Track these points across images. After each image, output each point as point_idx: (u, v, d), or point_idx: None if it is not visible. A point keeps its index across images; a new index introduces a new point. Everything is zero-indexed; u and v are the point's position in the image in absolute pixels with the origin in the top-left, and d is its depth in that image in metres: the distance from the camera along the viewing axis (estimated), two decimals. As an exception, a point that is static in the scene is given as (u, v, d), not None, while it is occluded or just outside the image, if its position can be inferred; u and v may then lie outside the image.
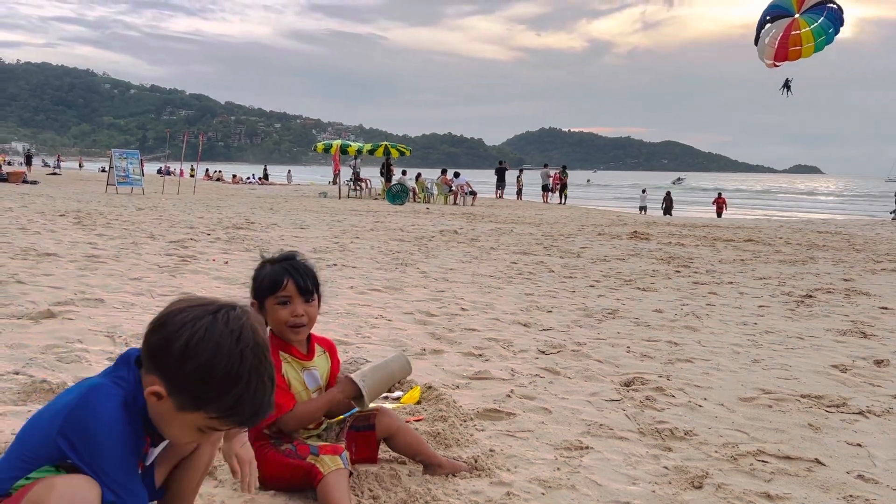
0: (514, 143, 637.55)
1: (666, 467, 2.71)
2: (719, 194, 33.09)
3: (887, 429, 3.26)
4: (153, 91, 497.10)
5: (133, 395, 1.57)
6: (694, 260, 9.81)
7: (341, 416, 2.53)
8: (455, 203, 27.25)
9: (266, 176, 48.89)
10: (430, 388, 3.49)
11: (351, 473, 2.31)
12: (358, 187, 29.72)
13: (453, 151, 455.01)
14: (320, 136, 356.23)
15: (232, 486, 2.34)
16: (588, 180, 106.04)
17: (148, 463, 1.71)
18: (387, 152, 30.01)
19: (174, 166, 43.11)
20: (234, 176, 50.69)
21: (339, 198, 26.64)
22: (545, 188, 33.87)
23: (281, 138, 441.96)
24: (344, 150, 30.04)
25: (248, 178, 50.23)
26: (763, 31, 16.35)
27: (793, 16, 15.84)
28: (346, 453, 2.30)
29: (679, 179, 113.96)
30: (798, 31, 15.60)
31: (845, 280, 8.27)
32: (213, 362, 1.49)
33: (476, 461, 2.60)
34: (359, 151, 30.53)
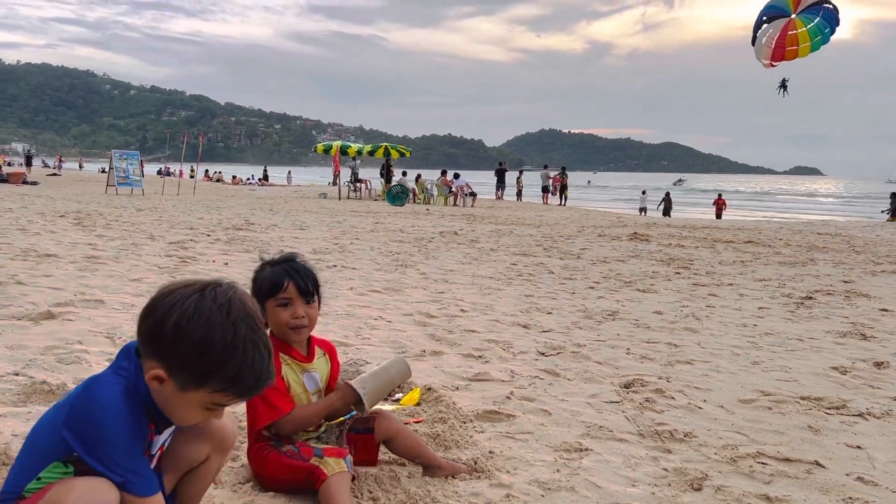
0: (514, 144, 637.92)
1: (665, 469, 2.71)
2: (719, 195, 33.09)
3: (887, 431, 3.26)
4: (153, 92, 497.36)
5: (134, 383, 1.59)
6: (694, 261, 9.81)
7: (340, 419, 2.53)
8: (455, 204, 27.26)
9: (266, 177, 48.90)
10: (429, 389, 3.49)
11: (354, 478, 2.31)
12: (357, 188, 29.73)
13: (453, 152, 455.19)
14: (320, 137, 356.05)
15: (231, 488, 2.34)
16: (588, 181, 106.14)
17: (153, 452, 1.72)
18: (387, 153, 30.03)
19: (174, 167, 43.13)
20: (234, 177, 50.71)
21: (339, 199, 26.64)
22: (545, 189, 33.88)
23: (281, 139, 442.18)
24: (344, 151, 30.06)
25: (248, 179, 50.25)
26: (760, 31, 16.42)
27: (789, 16, 15.91)
28: (349, 457, 2.30)
29: (680, 181, 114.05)
30: (795, 31, 15.67)
31: (845, 282, 8.27)
32: (207, 337, 1.51)
33: (475, 463, 2.59)
34: (359, 152, 30.55)
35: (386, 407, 3.20)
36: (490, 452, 2.75)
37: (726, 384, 3.92)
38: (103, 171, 38.34)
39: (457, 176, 29.54)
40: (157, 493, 1.62)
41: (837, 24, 15.45)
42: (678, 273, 8.60)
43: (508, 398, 3.48)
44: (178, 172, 39.85)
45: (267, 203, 21.09)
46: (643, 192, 33.92)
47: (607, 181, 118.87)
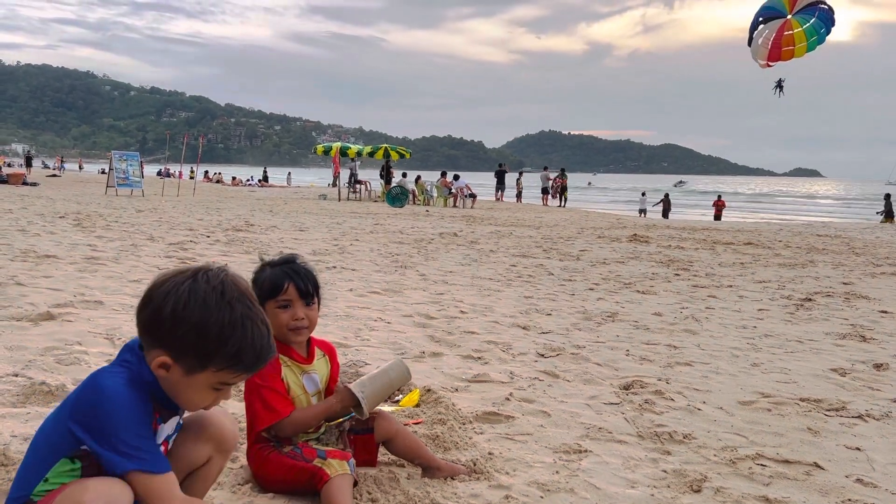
0: (513, 145, 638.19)
1: (665, 471, 2.71)
2: (719, 196, 33.09)
3: (886, 432, 3.26)
4: (153, 93, 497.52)
5: (138, 372, 1.61)
6: (693, 263, 9.81)
7: (340, 420, 2.53)
8: (455, 205, 27.26)
9: (266, 178, 48.91)
10: (429, 390, 3.49)
11: (356, 483, 2.31)
12: (356, 189, 29.73)
13: (453, 154, 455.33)
14: (320, 138, 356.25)
15: (230, 489, 2.34)
16: (589, 183, 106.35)
17: (159, 441, 1.72)
18: (387, 154, 30.03)
19: (174, 168, 43.13)
20: (234, 178, 50.71)
21: (339, 200, 26.65)
22: (545, 191, 33.88)
23: (281, 140, 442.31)
24: (344, 152, 30.07)
25: (248, 180, 50.25)
26: (756, 32, 16.50)
27: (785, 17, 15.99)
28: (353, 461, 2.30)
29: (681, 182, 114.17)
30: (791, 32, 15.75)
31: (845, 283, 8.27)
32: (204, 319, 1.55)
33: (475, 464, 2.59)
34: (359, 154, 30.56)
35: (385, 408, 3.20)
36: (489, 454, 2.75)
37: (726, 386, 3.92)
38: (103, 172, 38.34)
39: (456, 177, 29.55)
40: (170, 471, 1.62)
41: (833, 24, 15.56)
42: (678, 275, 8.60)
43: (508, 399, 3.48)
44: (177, 173, 39.86)
45: (267, 204, 21.09)
46: (643, 194, 33.93)
47: (607, 183, 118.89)
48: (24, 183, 26.98)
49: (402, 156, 31.10)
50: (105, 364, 1.71)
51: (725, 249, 11.97)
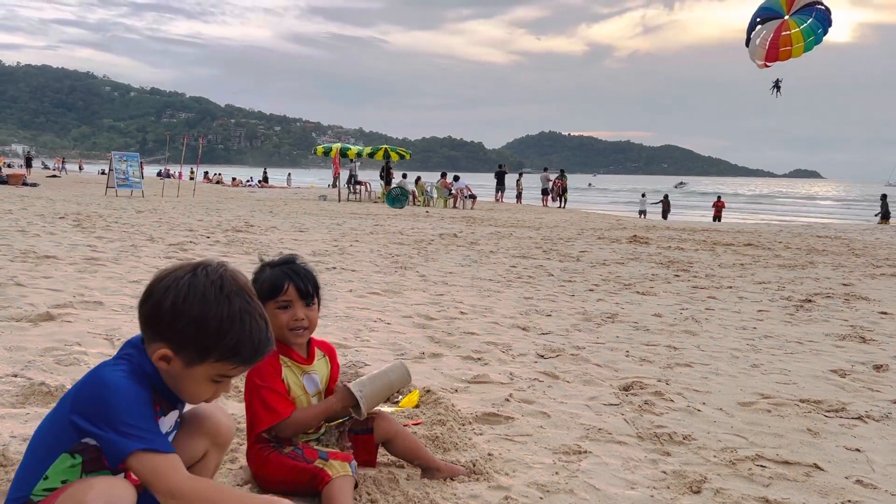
0: (513, 146, 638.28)
1: (664, 472, 2.71)
2: (718, 197, 33.09)
3: (886, 434, 3.26)
4: (153, 94, 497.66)
5: (139, 365, 1.64)
6: (693, 264, 9.81)
7: (339, 420, 2.53)
8: (454, 206, 27.27)
9: (266, 179, 48.93)
10: (428, 391, 3.49)
11: (357, 485, 2.31)
12: (356, 190, 29.73)
13: (453, 155, 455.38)
14: (320, 139, 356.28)
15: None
16: (589, 184, 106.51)
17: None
18: (387, 155, 30.05)
19: (174, 169, 43.14)
20: (234, 179, 50.74)
21: (339, 201, 26.65)
22: (544, 192, 33.89)
23: (281, 141, 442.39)
24: (344, 153, 30.08)
25: (248, 180, 50.27)
26: (754, 32, 16.57)
27: (783, 17, 16.04)
28: (354, 463, 2.30)
29: (682, 184, 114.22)
30: (788, 32, 15.81)
31: (845, 285, 8.27)
32: (203, 312, 1.58)
33: (474, 465, 2.59)
34: (358, 154, 30.56)
35: (385, 409, 3.20)
36: (489, 455, 2.75)
37: (725, 387, 3.92)
38: (103, 173, 38.36)
39: (456, 178, 29.57)
40: (176, 454, 1.61)
41: (830, 24, 15.63)
42: (677, 276, 8.60)
43: (507, 400, 3.48)
44: (177, 174, 39.86)
45: (266, 205, 21.09)
46: (643, 195, 33.95)
47: (607, 184, 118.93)
48: (24, 183, 26.99)
49: (402, 157, 31.11)
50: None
51: (725, 250, 11.97)
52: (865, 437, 3.19)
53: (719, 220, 28.72)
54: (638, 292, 7.21)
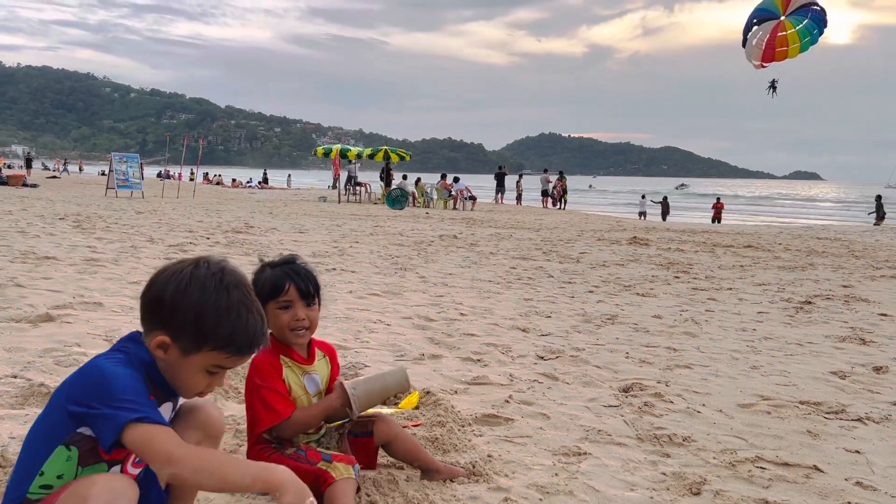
0: (513, 148, 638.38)
1: (664, 473, 2.71)
2: (717, 199, 33.07)
3: (886, 436, 3.26)
4: (153, 95, 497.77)
5: (136, 355, 1.67)
6: (693, 266, 9.81)
7: (339, 422, 2.53)
8: (455, 208, 27.28)
9: (266, 180, 48.94)
10: (428, 393, 3.49)
11: (359, 489, 2.30)
12: (356, 192, 29.73)
13: (453, 156, 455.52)
14: (320, 140, 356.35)
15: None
16: (590, 185, 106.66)
17: None
18: (387, 157, 30.06)
19: (174, 170, 43.16)
20: (234, 180, 50.76)
21: (339, 202, 26.66)
22: (544, 193, 33.90)
23: (281, 142, 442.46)
24: (344, 154, 30.09)
25: (248, 182, 50.29)
26: (750, 33, 16.67)
27: (779, 18, 16.13)
28: (357, 466, 2.30)
29: (682, 185, 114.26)
30: (784, 33, 15.89)
31: (844, 286, 8.27)
32: (203, 301, 1.63)
33: (474, 466, 2.59)
34: (359, 156, 30.57)
35: (385, 410, 3.20)
36: (488, 456, 2.75)
37: (725, 388, 3.92)
38: (103, 174, 38.36)
39: (456, 180, 29.58)
40: (170, 426, 1.62)
41: (825, 25, 15.74)
42: (677, 277, 8.60)
43: (507, 402, 3.48)
44: (177, 175, 39.88)
45: (266, 206, 21.09)
46: (643, 197, 33.95)
47: (607, 185, 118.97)
48: (24, 184, 26.98)
49: (402, 158, 31.13)
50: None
51: (725, 252, 11.97)
52: (865, 439, 3.19)
53: (719, 222, 28.71)
54: (638, 294, 7.21)
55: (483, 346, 4.66)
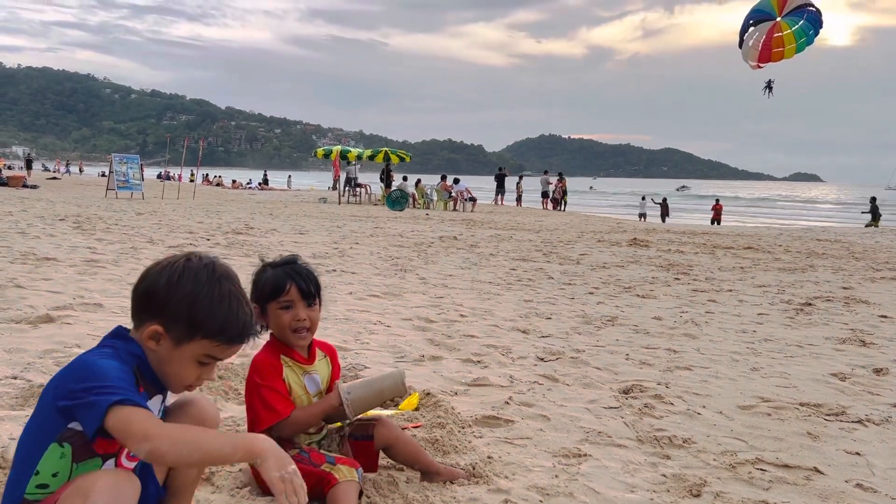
0: (513, 149, 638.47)
1: (664, 475, 2.71)
2: (717, 200, 33.06)
3: (886, 437, 3.26)
4: (154, 96, 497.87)
5: (124, 349, 1.68)
6: (693, 267, 9.81)
7: (340, 424, 2.53)
8: (455, 209, 27.28)
9: (266, 181, 48.97)
10: (428, 394, 3.48)
11: (362, 493, 2.30)
12: (356, 193, 29.74)
13: (453, 157, 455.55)
14: (320, 141, 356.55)
15: (229, 493, 2.33)
16: (591, 187, 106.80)
17: None
18: (387, 158, 30.07)
19: (174, 171, 43.17)
20: (234, 181, 50.77)
21: (339, 203, 26.66)
22: (545, 195, 33.90)
23: (281, 144, 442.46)
24: (344, 155, 30.11)
25: (248, 183, 50.32)
26: (746, 34, 16.75)
27: (775, 19, 16.22)
28: (361, 470, 2.30)
29: (684, 187, 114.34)
30: (780, 34, 15.98)
31: (845, 288, 8.27)
32: (195, 290, 1.66)
33: (474, 468, 2.59)
34: (359, 157, 30.59)
35: (384, 412, 3.20)
36: (488, 458, 2.75)
37: (725, 390, 3.92)
38: (103, 175, 38.37)
39: (457, 181, 29.58)
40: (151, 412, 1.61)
41: (821, 26, 15.85)
42: (677, 279, 8.60)
43: (507, 403, 3.48)
44: (178, 176, 39.90)
45: (267, 207, 21.10)
46: (643, 198, 33.95)
47: (607, 187, 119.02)
48: (25, 185, 27.00)
49: (402, 159, 31.14)
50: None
51: (725, 254, 11.97)
52: (865, 441, 3.19)
53: (718, 223, 28.71)
54: (638, 295, 7.21)
55: (483, 347, 4.66)
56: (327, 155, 30.38)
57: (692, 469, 2.78)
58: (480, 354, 4.46)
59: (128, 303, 5.17)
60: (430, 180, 34.09)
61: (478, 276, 8.21)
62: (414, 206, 26.92)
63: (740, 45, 16.89)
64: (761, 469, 2.81)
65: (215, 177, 54.48)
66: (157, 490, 1.84)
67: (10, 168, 45.92)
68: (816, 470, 2.82)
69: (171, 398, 1.88)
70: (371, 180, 34.03)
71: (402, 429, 2.77)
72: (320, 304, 2.42)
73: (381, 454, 2.58)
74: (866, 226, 26.02)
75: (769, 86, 17.66)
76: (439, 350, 4.54)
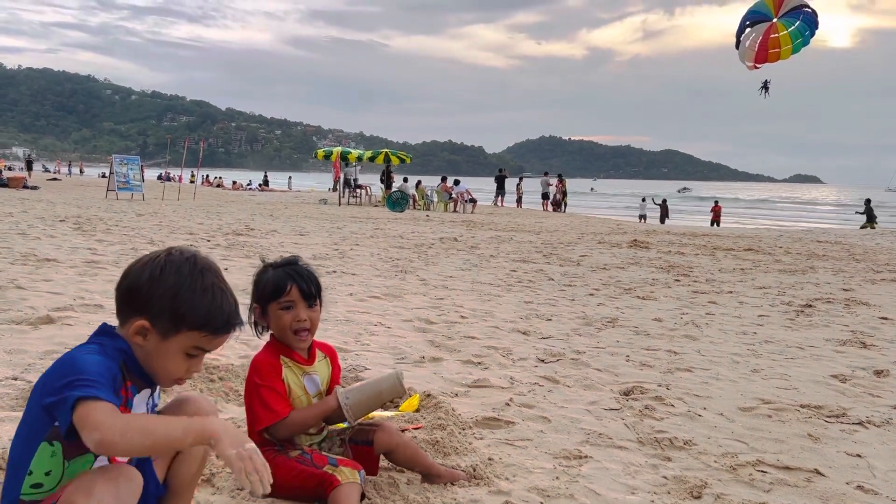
0: (514, 150, 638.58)
1: (665, 477, 2.71)
2: (716, 202, 33.05)
3: (887, 439, 3.25)
4: (154, 97, 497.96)
5: (111, 345, 1.69)
6: (694, 269, 9.81)
7: (342, 425, 2.53)
8: (455, 210, 27.29)
9: (266, 182, 48.99)
10: (428, 395, 3.48)
11: (363, 496, 2.30)
12: (356, 194, 29.75)
13: (454, 159, 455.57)
14: (321, 142, 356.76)
15: (229, 494, 2.33)
16: (591, 188, 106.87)
17: (131, 411, 1.73)
18: (387, 159, 30.08)
19: (175, 172, 43.18)
20: (235, 182, 50.78)
21: (340, 205, 26.67)
22: (545, 196, 33.90)
23: (281, 145, 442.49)
24: (344, 156, 30.12)
25: (249, 184, 50.33)
26: (743, 35, 16.80)
27: (771, 20, 16.27)
28: (363, 472, 2.30)
29: (685, 189, 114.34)
30: (777, 35, 16.05)
31: (845, 290, 8.26)
32: (178, 283, 1.69)
33: (474, 470, 2.59)
34: (359, 158, 30.61)
35: (385, 414, 3.20)
36: (489, 459, 2.75)
37: (726, 392, 3.92)
38: (104, 176, 38.37)
39: (457, 182, 29.60)
40: (116, 406, 1.56)
41: (817, 26, 15.92)
42: (678, 280, 8.60)
43: (508, 405, 3.48)
44: (178, 177, 39.89)
45: (267, 208, 21.10)
46: (643, 199, 33.95)
47: (607, 188, 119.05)
48: (25, 186, 27.00)
49: (402, 160, 31.14)
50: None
51: (726, 255, 11.97)
52: (866, 443, 3.19)
53: (718, 225, 28.71)
54: (638, 297, 7.21)
55: (483, 348, 4.66)
56: (328, 156, 30.41)
57: (693, 471, 2.78)
58: (481, 356, 4.46)
59: (128, 304, 5.10)
60: (431, 182, 34.10)
61: (478, 277, 8.21)
62: (414, 208, 26.93)
63: (737, 46, 16.96)
64: (762, 471, 2.81)
65: (216, 178, 54.50)
66: (156, 488, 1.83)
67: (10, 169, 45.95)
68: (817, 472, 2.81)
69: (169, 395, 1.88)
70: (371, 182, 34.05)
71: (403, 430, 2.77)
72: (321, 305, 2.42)
73: (382, 457, 2.58)
74: (861, 227, 26.04)
75: (765, 86, 17.76)
76: (440, 351, 4.54)
